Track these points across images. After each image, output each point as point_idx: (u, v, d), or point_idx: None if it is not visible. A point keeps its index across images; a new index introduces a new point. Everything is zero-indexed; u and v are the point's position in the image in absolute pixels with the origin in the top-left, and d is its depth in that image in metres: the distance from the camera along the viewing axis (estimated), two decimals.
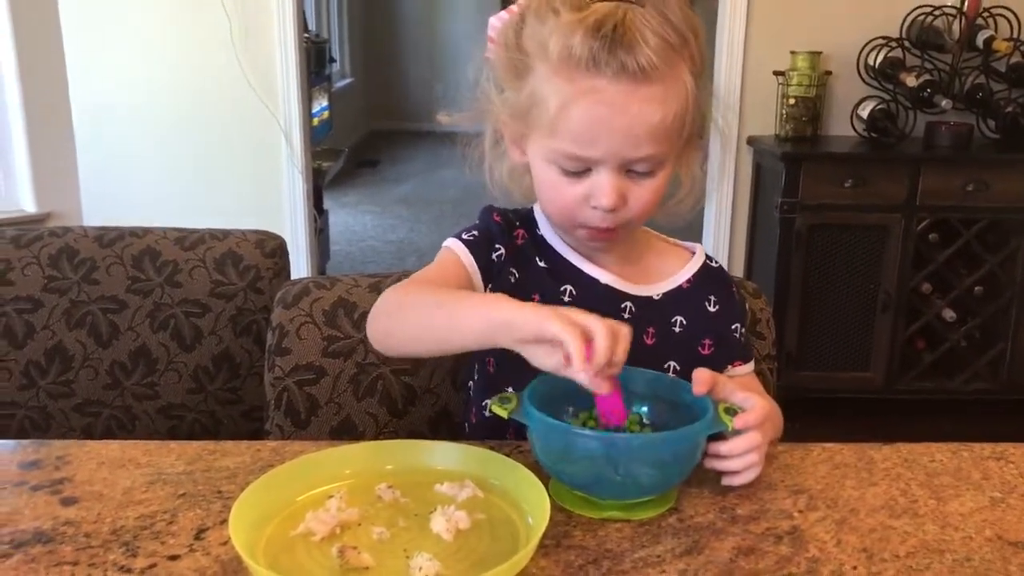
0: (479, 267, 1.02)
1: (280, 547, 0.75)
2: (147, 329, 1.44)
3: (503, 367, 1.02)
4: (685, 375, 1.00)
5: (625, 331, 0.78)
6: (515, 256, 1.04)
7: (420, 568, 0.70)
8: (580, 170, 0.93)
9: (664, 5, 0.90)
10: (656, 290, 1.05)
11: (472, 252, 1.03)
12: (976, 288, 3.22)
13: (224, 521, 0.78)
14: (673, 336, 1.04)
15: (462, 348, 0.89)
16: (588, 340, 0.75)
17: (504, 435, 0.99)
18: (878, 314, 3.20)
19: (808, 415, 3.10)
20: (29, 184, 3.05)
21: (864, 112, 3.27)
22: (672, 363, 1.03)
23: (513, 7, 0.98)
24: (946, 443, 0.96)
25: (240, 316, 1.44)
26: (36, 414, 1.43)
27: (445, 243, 1.05)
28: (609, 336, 0.76)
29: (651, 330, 1.03)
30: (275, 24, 3.31)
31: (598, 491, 0.81)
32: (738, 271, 3.56)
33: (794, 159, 3.09)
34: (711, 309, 1.07)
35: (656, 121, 0.89)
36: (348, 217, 5.70)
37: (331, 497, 0.81)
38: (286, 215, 3.46)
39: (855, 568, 0.74)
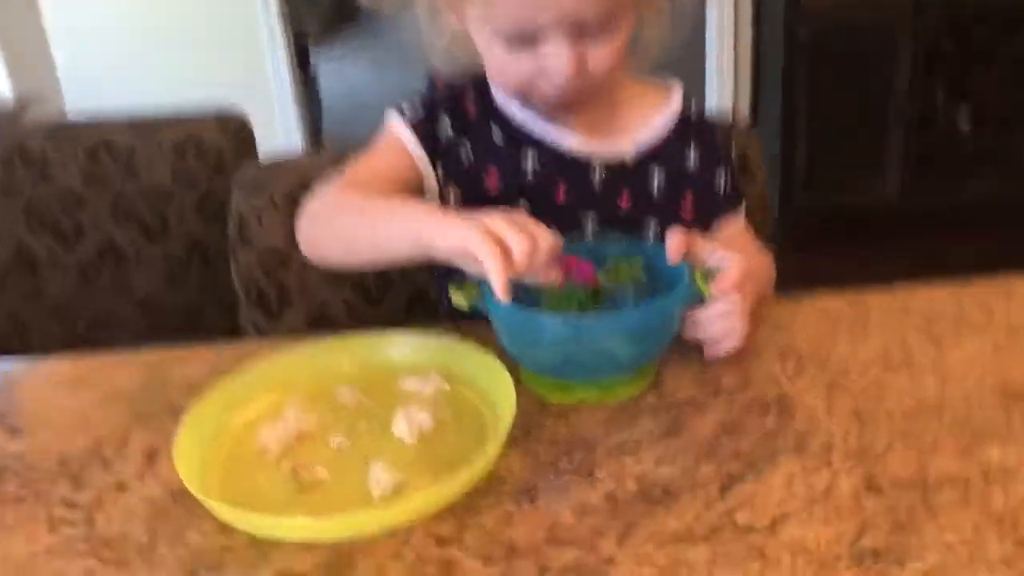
0: (425, 150, 0.93)
1: (235, 469, 0.71)
2: (110, 223, 1.37)
3: None
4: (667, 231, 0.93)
5: (544, 238, 0.70)
6: (466, 129, 0.94)
7: (379, 482, 0.66)
8: (527, 39, 0.81)
9: None
10: (628, 145, 0.95)
11: (417, 133, 0.93)
12: (991, 91, 3.07)
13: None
14: (651, 197, 0.95)
15: (393, 264, 0.81)
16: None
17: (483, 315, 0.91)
18: (890, 125, 3.07)
19: (820, 240, 3.05)
20: (3, 72, 2.93)
21: None
22: (653, 225, 0.95)
23: None
24: (948, 283, 0.89)
25: (206, 202, 1.37)
26: (7, 321, 1.39)
27: (388, 119, 0.95)
28: (526, 244, 0.68)
29: (625, 193, 0.95)
30: None
31: (570, 373, 0.76)
32: (744, 95, 3.42)
33: None
34: (691, 163, 0.97)
35: None
36: (335, 73, 5.50)
37: (287, 406, 0.76)
38: (268, 74, 3.31)
39: (845, 439, 0.68)
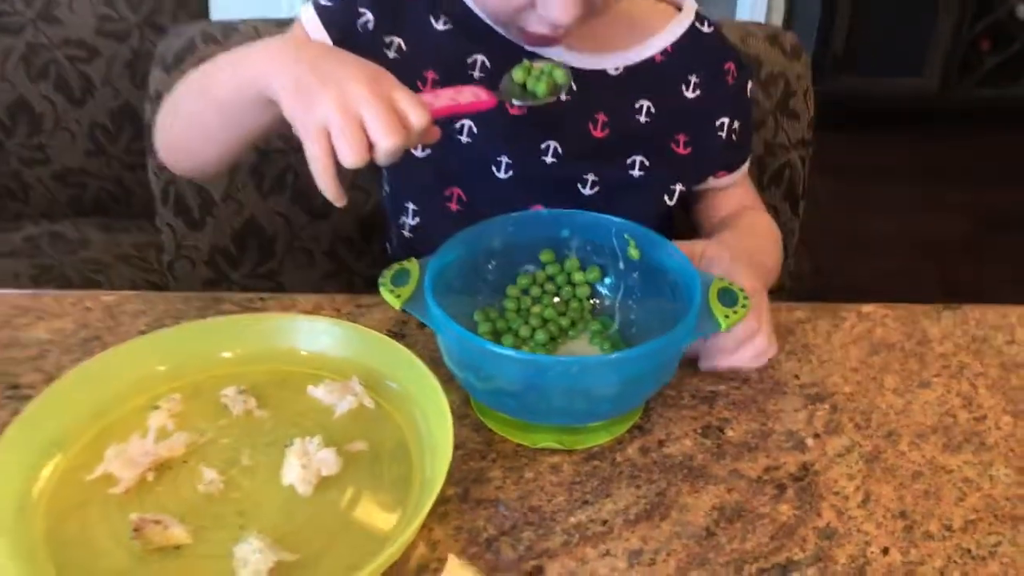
0: (332, 41, 0.72)
1: (69, 500, 0.53)
2: (23, 78, 1.15)
3: (401, 177, 0.78)
4: (655, 178, 0.74)
5: (416, 116, 0.54)
6: (395, 17, 0.73)
7: (246, 564, 0.48)
8: None
9: None
10: (613, 62, 0.75)
11: (324, 21, 0.72)
12: None
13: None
14: (636, 127, 0.75)
15: (241, 136, 0.66)
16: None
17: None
18: (940, 11, 2.78)
19: (853, 126, 2.80)
20: None
21: None
22: (638, 158, 0.75)
23: None
24: (1016, 306, 0.69)
25: (138, 61, 1.15)
26: None
27: (300, 9, 0.74)
28: (356, 153, 0.53)
29: (600, 117, 0.74)
30: None
31: (530, 415, 0.57)
32: None
33: None
34: (689, 95, 0.77)
35: None
36: None
37: (155, 408, 0.57)
38: None
39: (886, 552, 0.51)
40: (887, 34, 2.83)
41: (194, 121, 0.67)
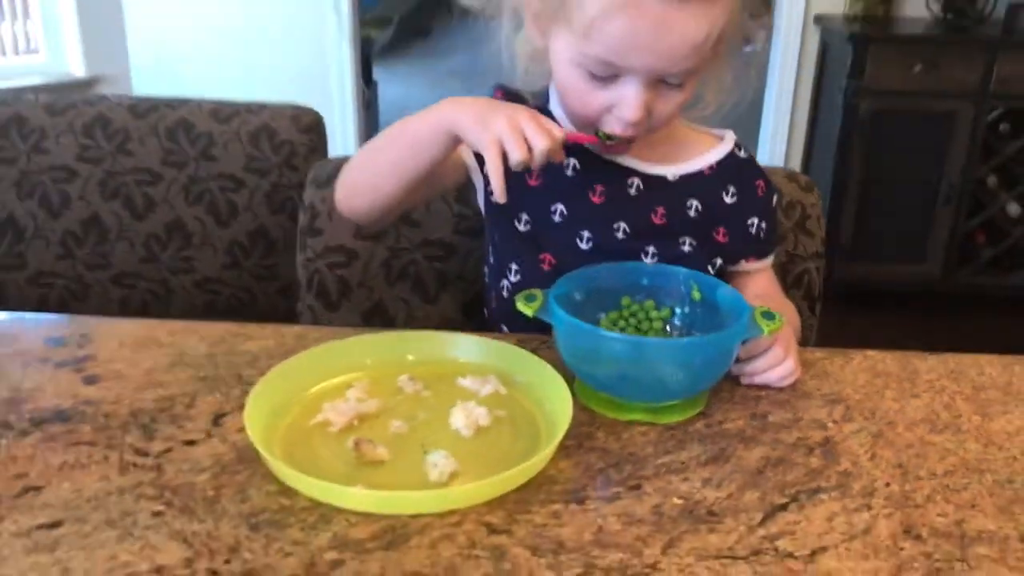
0: (476, 158, 0.99)
1: (297, 437, 0.74)
2: (182, 202, 1.42)
3: (506, 248, 1.02)
4: (700, 254, 0.97)
5: (553, 135, 0.81)
6: None
7: (436, 465, 0.69)
8: (608, 75, 0.87)
9: None
10: (671, 171, 1.00)
11: None
12: None
13: (243, 407, 0.76)
14: (687, 219, 1.00)
15: (426, 161, 0.90)
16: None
17: (525, 320, 0.94)
18: (939, 206, 3.09)
19: (860, 309, 3.06)
20: (78, 45, 3.02)
21: None
22: (688, 240, 0.99)
23: None
24: (997, 355, 0.91)
25: (275, 192, 1.42)
26: (74, 284, 1.44)
27: None
28: (522, 153, 0.80)
29: (660, 209, 0.99)
30: None
31: (624, 392, 0.78)
32: (796, 156, 3.45)
33: (862, 40, 2.94)
34: (728, 200, 1.02)
35: (700, 40, 0.83)
36: (399, 89, 5.59)
37: (351, 387, 0.79)
38: (333, 87, 3.39)
39: (888, 485, 0.71)
40: (891, 225, 3.13)
41: (383, 159, 0.93)
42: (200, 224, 1.43)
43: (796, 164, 3.46)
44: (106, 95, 1.47)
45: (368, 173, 0.96)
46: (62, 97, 1.45)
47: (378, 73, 4.96)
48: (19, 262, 1.43)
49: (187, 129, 1.41)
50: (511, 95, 1.00)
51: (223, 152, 1.41)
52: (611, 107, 0.88)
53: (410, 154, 0.91)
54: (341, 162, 1.19)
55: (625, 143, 0.92)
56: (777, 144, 3.44)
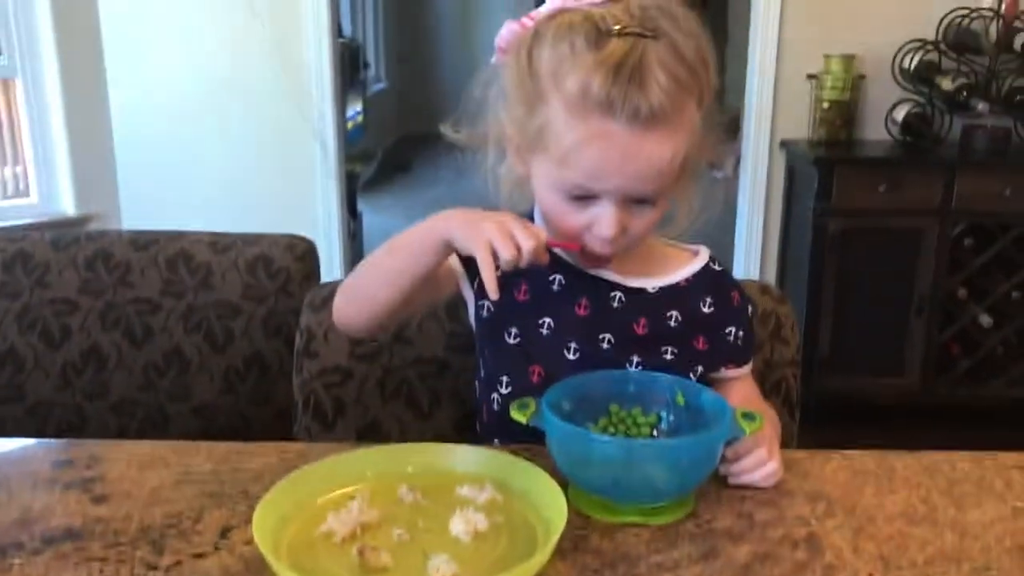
0: (465, 267, 1.05)
1: (302, 547, 0.77)
2: (180, 331, 1.47)
3: (496, 363, 1.05)
4: (682, 362, 1.02)
5: (537, 236, 0.88)
6: None
7: (438, 569, 0.72)
8: (585, 197, 0.94)
9: (677, 38, 0.91)
10: (651, 283, 1.06)
11: (461, 258, 1.04)
12: (1013, 293, 3.17)
13: (249, 521, 0.79)
14: (667, 329, 1.05)
15: (419, 271, 0.96)
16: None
17: (516, 432, 0.98)
18: (912, 319, 3.16)
19: (841, 421, 3.09)
20: (70, 186, 3.12)
21: (899, 115, 3.24)
22: (669, 348, 1.04)
23: (526, 20, 0.98)
24: (969, 452, 0.96)
25: (271, 318, 1.47)
26: (72, 414, 1.47)
27: None
28: (511, 252, 0.86)
29: (643, 320, 1.04)
30: (309, 29, 3.34)
31: (616, 495, 0.82)
32: (770, 274, 3.54)
33: (827, 163, 3.07)
34: (705, 310, 1.07)
35: (665, 162, 0.91)
36: (382, 220, 5.71)
37: (353, 499, 0.82)
38: (320, 219, 3.49)
39: (871, 575, 0.74)
40: (867, 339, 3.20)
41: (378, 270, 0.99)
42: (197, 351, 1.47)
43: (771, 282, 3.55)
44: (107, 230, 1.53)
45: (364, 284, 1.02)
46: (66, 233, 1.51)
47: (362, 205, 5.09)
48: (18, 393, 1.46)
49: (186, 260, 1.47)
50: None
51: (221, 281, 1.46)
52: (590, 226, 0.95)
53: (404, 264, 0.97)
54: (336, 286, 1.25)
55: (606, 258, 0.98)
56: (751, 264, 3.54)
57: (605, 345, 1.03)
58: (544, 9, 0.96)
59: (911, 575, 0.74)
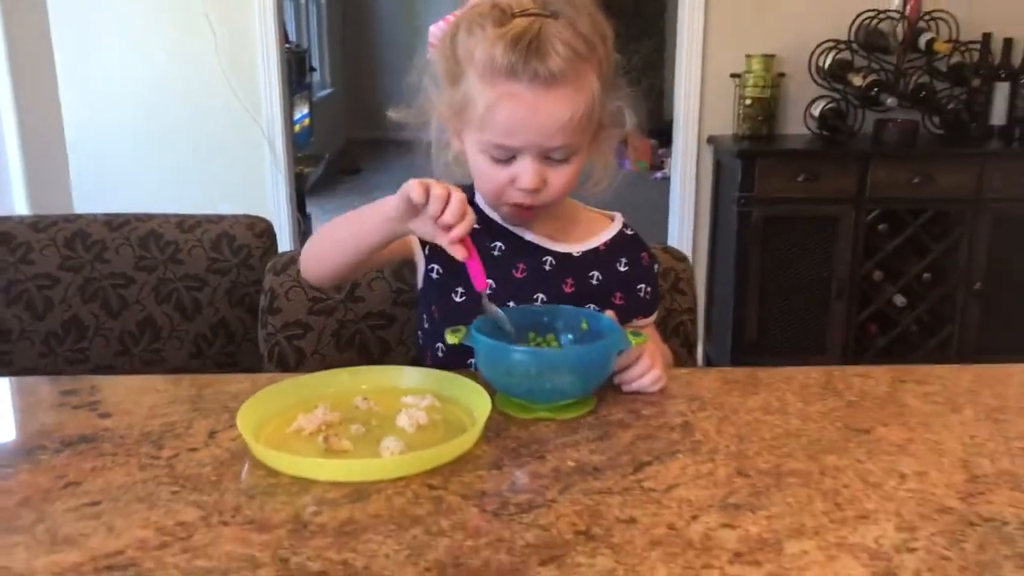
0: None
1: (277, 440, 0.95)
2: (152, 302, 1.63)
3: (444, 315, 1.23)
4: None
5: (455, 193, 1.00)
6: None
7: (388, 448, 0.90)
8: (506, 157, 1.11)
9: (575, 17, 1.08)
10: (576, 248, 1.24)
11: None
12: (924, 275, 3.41)
13: (232, 426, 0.97)
14: (590, 287, 1.23)
15: (371, 247, 1.13)
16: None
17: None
18: (832, 301, 3.40)
19: None
20: (23, 193, 3.23)
21: (816, 111, 3.47)
22: (592, 305, 1.22)
23: (450, 17, 1.15)
24: (823, 367, 1.16)
25: (234, 289, 1.64)
26: None
27: None
28: (439, 196, 0.99)
29: (569, 280, 1.22)
30: (257, 34, 3.50)
31: (531, 397, 1.01)
32: (701, 262, 3.76)
33: (749, 156, 3.30)
34: (621, 269, 1.26)
35: (566, 118, 1.07)
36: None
37: (317, 406, 1.00)
38: (271, 216, 3.62)
39: (728, 447, 0.94)
40: (791, 322, 3.44)
41: (336, 242, 1.17)
42: (168, 320, 1.64)
43: (702, 270, 3.77)
44: (84, 213, 1.69)
45: (326, 251, 1.20)
46: (46, 216, 1.66)
47: (311, 206, 5.25)
48: (5, 360, 1.61)
49: (156, 238, 1.64)
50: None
51: (188, 257, 1.63)
52: (513, 180, 1.12)
53: (356, 240, 1.14)
54: (294, 254, 1.43)
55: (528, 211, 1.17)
56: (684, 251, 3.76)
57: (539, 303, 1.21)
58: (464, 7, 1.14)
59: (759, 447, 0.94)
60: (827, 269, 3.38)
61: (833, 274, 3.38)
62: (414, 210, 1.03)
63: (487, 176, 1.15)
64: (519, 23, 1.06)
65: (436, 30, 1.18)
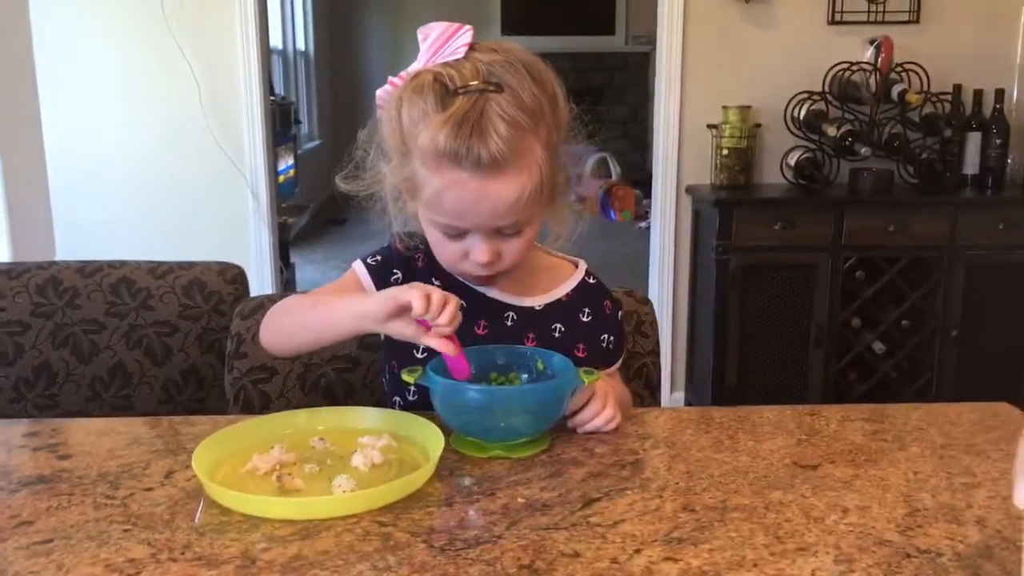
0: (376, 287, 1.21)
1: (232, 480, 0.96)
2: (123, 347, 1.64)
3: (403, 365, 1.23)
4: None
5: (452, 299, 1.01)
6: (412, 277, 1.21)
7: (340, 486, 0.92)
8: (457, 234, 1.11)
9: (518, 86, 1.05)
10: (537, 301, 1.24)
11: (371, 274, 1.22)
12: (903, 321, 3.44)
13: (188, 467, 0.98)
14: (552, 340, 1.22)
15: (336, 340, 1.13)
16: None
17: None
18: (811, 348, 3.42)
19: None
20: (6, 241, 3.24)
21: (792, 160, 3.53)
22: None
23: (395, 80, 1.12)
24: (775, 406, 1.18)
25: (205, 335, 1.65)
26: None
27: (353, 264, 1.25)
28: (438, 303, 1.00)
29: (531, 335, 1.22)
30: (241, 86, 3.55)
31: (486, 436, 1.03)
32: (682, 310, 3.79)
33: (726, 204, 3.34)
34: (584, 319, 1.26)
35: (513, 199, 1.05)
36: (316, 273, 5.91)
37: (273, 446, 1.02)
38: (252, 265, 3.66)
39: (676, 483, 0.96)
40: (770, 368, 3.46)
41: (300, 322, 1.16)
42: (139, 366, 1.65)
43: (683, 318, 3.80)
44: (56, 260, 1.71)
45: (290, 329, 1.17)
46: (18, 264, 1.68)
47: (295, 256, 5.28)
48: None
49: (128, 285, 1.66)
50: (406, 242, 1.23)
51: (159, 303, 1.65)
52: (466, 253, 1.12)
53: (324, 328, 1.12)
54: (263, 300, 1.45)
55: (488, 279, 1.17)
56: (663, 303, 3.79)
57: (500, 359, 1.20)
58: (410, 68, 1.11)
59: (707, 483, 0.96)
60: (806, 316, 3.40)
61: (812, 321, 3.40)
62: (399, 312, 1.02)
63: (441, 249, 1.15)
64: (461, 105, 1.03)
65: (384, 93, 1.15)
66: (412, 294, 0.99)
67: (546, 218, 1.17)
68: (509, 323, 1.22)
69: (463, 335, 1.14)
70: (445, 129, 1.03)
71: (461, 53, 1.08)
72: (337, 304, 1.10)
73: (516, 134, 1.04)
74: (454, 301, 1.01)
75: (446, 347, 1.02)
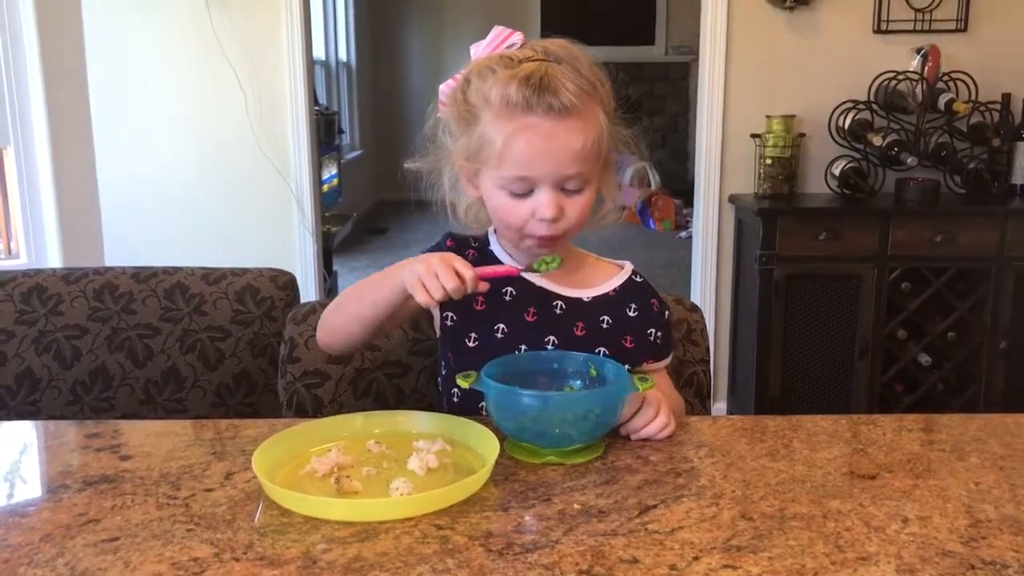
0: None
1: (291, 482, 0.97)
2: (177, 352, 1.67)
3: (457, 360, 1.25)
4: (613, 355, 1.23)
5: (452, 262, 1.08)
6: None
7: (397, 488, 0.92)
8: (525, 191, 1.16)
9: (576, 62, 1.16)
10: (587, 294, 1.27)
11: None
12: (949, 333, 3.39)
13: (248, 468, 1.00)
14: (601, 331, 1.25)
15: (377, 317, 1.18)
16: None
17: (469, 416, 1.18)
18: (856, 359, 3.39)
19: None
20: (58, 246, 3.31)
21: (836, 170, 3.50)
22: (602, 350, 1.24)
23: (457, 76, 1.22)
24: (828, 415, 1.17)
25: (257, 340, 1.67)
26: None
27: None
28: (450, 283, 1.06)
29: (580, 324, 1.25)
30: (287, 97, 3.60)
31: (540, 442, 1.03)
32: (725, 320, 3.76)
33: (770, 214, 3.32)
34: (631, 314, 1.28)
35: (579, 146, 1.13)
36: (357, 278, 5.95)
37: (331, 449, 1.03)
38: (296, 273, 3.67)
39: (734, 492, 0.95)
40: (815, 379, 3.43)
41: (352, 314, 1.20)
42: (192, 370, 1.67)
43: (726, 328, 3.78)
44: (112, 266, 1.74)
45: (341, 323, 1.23)
46: (76, 269, 1.71)
47: (338, 264, 5.32)
48: (33, 409, 1.65)
49: (182, 290, 1.68)
50: (458, 240, 1.29)
51: (212, 308, 1.67)
52: (533, 212, 1.16)
53: (372, 310, 1.19)
54: (315, 305, 1.47)
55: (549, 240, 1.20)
56: (707, 310, 3.77)
57: (550, 346, 1.23)
58: (469, 65, 1.21)
59: (764, 492, 0.95)
60: (851, 327, 3.37)
61: (857, 332, 3.37)
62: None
63: (507, 211, 1.19)
64: (527, 66, 1.14)
65: (446, 88, 1.24)
66: (415, 289, 1.08)
67: (599, 190, 1.23)
68: (558, 311, 1.25)
69: (514, 320, 1.22)
70: (515, 81, 1.12)
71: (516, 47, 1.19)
72: (374, 281, 1.19)
73: (579, 92, 1.14)
74: (457, 263, 1.08)
75: (481, 287, 1.10)
